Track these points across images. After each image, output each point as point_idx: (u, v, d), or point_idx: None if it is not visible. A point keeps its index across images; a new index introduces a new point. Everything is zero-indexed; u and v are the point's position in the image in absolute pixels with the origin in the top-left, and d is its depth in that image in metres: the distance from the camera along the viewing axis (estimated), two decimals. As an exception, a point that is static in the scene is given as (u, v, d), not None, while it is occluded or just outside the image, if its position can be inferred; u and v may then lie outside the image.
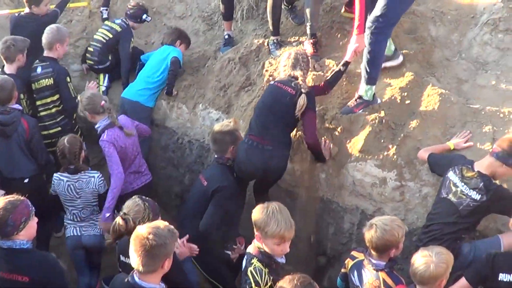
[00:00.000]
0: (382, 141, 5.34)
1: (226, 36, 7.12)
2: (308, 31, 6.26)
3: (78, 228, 5.66)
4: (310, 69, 5.76)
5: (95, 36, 7.55)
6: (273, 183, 5.62)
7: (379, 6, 5.18)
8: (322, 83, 5.67)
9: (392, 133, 5.38)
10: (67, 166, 5.55)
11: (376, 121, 5.39)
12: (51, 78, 6.49)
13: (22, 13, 7.29)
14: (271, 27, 6.49)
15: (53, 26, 6.65)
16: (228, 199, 5.21)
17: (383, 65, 5.65)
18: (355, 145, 5.44)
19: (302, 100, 5.19)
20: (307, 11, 6.13)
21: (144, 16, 7.47)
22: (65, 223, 5.79)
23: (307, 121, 5.34)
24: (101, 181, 5.60)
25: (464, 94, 5.68)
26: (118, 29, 7.39)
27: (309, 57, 5.67)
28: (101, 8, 8.24)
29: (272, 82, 5.57)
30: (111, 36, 7.40)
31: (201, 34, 7.68)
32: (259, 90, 6.16)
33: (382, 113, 5.44)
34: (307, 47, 6.23)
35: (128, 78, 7.36)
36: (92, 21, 8.31)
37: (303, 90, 5.21)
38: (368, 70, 5.40)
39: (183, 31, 7.33)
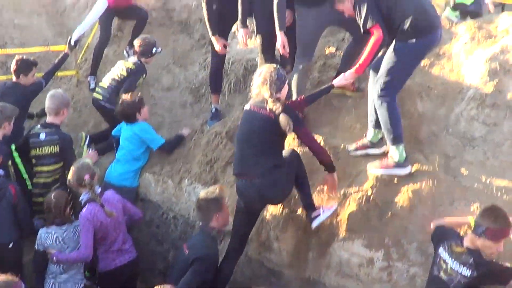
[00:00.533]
0: (369, 220, 5.40)
1: (214, 110, 7.27)
2: None
3: (57, 285, 5.81)
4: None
5: (110, 73, 7.72)
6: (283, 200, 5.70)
7: (382, 71, 5.38)
8: (301, 97, 5.73)
9: (380, 212, 5.44)
10: (53, 220, 5.77)
11: (363, 199, 5.48)
12: (57, 146, 6.60)
13: (8, 81, 7.47)
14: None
15: (58, 91, 6.93)
16: (207, 270, 5.27)
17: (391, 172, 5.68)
18: (342, 223, 5.49)
19: (284, 121, 5.11)
20: (294, 85, 6.31)
21: (154, 50, 7.67)
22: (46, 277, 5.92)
23: (302, 138, 5.46)
24: None
25: (452, 170, 5.78)
26: (132, 66, 7.57)
27: (282, 71, 5.44)
28: (89, 77, 8.47)
29: (246, 107, 5.50)
30: (125, 74, 7.56)
31: (188, 106, 7.86)
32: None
33: (369, 192, 5.53)
34: None
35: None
36: (80, 90, 8.54)
37: (276, 112, 5.13)
38: (388, 132, 5.51)
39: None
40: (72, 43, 8.05)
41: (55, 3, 10.23)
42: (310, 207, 5.54)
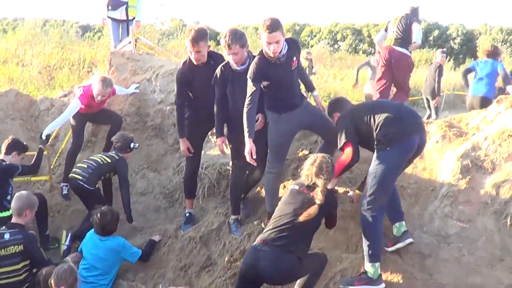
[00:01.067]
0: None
1: (187, 214, 7.40)
2: (267, 209, 6.60)
3: None
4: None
5: (91, 157, 7.94)
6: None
7: (367, 184, 5.67)
8: None
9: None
10: None
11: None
12: (21, 245, 6.64)
13: None
14: (231, 206, 6.81)
15: (23, 193, 7.00)
16: None
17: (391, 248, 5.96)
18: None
19: (312, 210, 5.31)
20: (266, 189, 6.51)
21: (132, 145, 7.93)
22: None
23: (331, 224, 5.84)
24: None
25: (428, 269, 5.89)
26: (116, 157, 7.79)
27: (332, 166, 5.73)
28: (62, 184, 8.61)
29: (292, 186, 5.69)
30: (109, 161, 7.76)
31: (162, 211, 7.99)
32: (220, 270, 6.35)
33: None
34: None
35: (129, 204, 7.68)
36: (52, 196, 8.63)
37: (317, 202, 5.32)
38: (368, 248, 5.63)
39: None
40: (44, 137, 8.30)
41: (29, 108, 10.52)
42: None
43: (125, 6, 12.28)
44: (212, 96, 6.62)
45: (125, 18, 12.41)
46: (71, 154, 8.84)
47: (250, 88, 6.00)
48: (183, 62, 6.90)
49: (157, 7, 22.90)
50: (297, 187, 5.61)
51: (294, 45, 6.22)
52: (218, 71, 6.49)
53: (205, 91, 6.77)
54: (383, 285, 5.64)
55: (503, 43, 41.37)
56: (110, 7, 12.25)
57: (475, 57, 39.76)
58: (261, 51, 6.06)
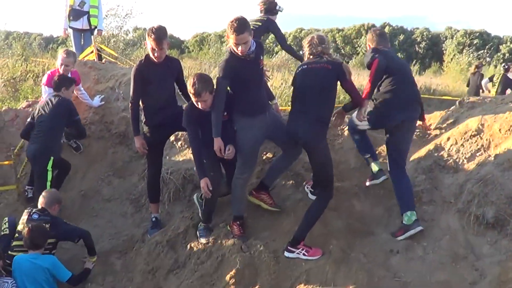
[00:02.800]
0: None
1: (153, 219, 7.41)
2: (234, 213, 6.67)
3: None
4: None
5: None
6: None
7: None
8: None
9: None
10: None
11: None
12: (48, 224, 6.91)
13: None
14: (204, 216, 6.82)
15: (51, 189, 7.36)
16: None
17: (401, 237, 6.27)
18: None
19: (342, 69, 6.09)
20: (234, 194, 6.56)
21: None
22: None
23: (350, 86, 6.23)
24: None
25: (392, 267, 5.97)
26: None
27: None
28: (26, 187, 8.53)
29: (302, 66, 6.29)
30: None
31: (129, 217, 7.96)
32: (187, 273, 6.36)
33: (310, 292, 5.67)
34: (234, 228, 6.58)
35: None
36: (21, 204, 8.49)
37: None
38: (399, 200, 6.37)
39: None
40: None
41: (-7, 120, 10.42)
42: (298, 239, 6.15)
43: (86, 15, 12.44)
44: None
45: (88, 27, 12.55)
46: None
47: (219, 85, 6.09)
48: (139, 61, 6.93)
49: (121, 18, 22.68)
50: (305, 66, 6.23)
51: (259, 46, 6.32)
52: (185, 113, 6.52)
53: (161, 89, 6.87)
54: (419, 227, 6.17)
55: (468, 47, 41.96)
56: (71, 17, 12.37)
57: (440, 61, 40.42)
58: (230, 49, 6.16)
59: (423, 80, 25.47)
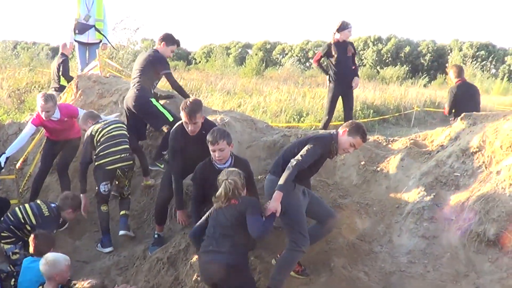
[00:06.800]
0: None
1: (156, 236, 7.41)
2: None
3: None
4: None
5: None
6: None
7: None
8: None
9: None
10: None
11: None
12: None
13: None
14: None
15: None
16: None
17: None
18: None
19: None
20: (286, 264, 6.08)
21: None
22: None
23: None
24: None
25: (393, 285, 5.99)
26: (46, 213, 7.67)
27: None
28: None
29: None
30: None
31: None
32: (187, 291, 6.36)
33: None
34: None
35: None
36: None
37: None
38: None
39: None
40: (3, 164, 8.27)
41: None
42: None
43: (91, 29, 12.44)
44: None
45: (93, 41, 12.58)
46: (37, 180, 8.82)
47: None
48: (176, 128, 6.93)
49: (128, 30, 22.51)
50: None
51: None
52: (198, 170, 6.55)
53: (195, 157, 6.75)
54: None
55: (473, 59, 42.01)
56: (77, 31, 12.40)
57: (445, 73, 40.49)
58: None
59: (428, 92, 25.47)
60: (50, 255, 6.36)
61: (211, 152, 6.28)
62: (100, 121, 8.19)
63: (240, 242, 5.55)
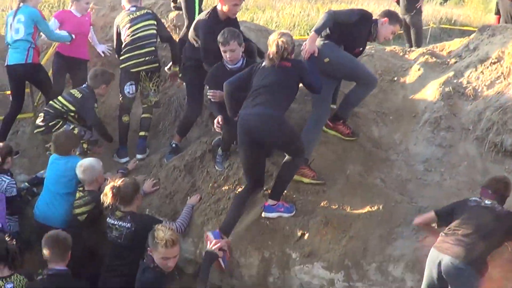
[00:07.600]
0: (329, 243, 5.59)
1: (173, 145, 7.38)
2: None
3: None
4: None
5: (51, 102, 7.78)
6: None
7: None
8: None
9: (338, 235, 5.63)
10: None
11: (322, 223, 5.68)
12: None
13: None
14: (225, 145, 6.74)
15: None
16: None
17: None
18: (301, 247, 5.67)
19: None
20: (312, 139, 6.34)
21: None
22: None
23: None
24: (10, 187, 6.69)
25: (409, 193, 6.05)
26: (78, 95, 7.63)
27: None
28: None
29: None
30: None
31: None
32: (204, 196, 6.41)
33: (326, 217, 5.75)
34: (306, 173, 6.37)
35: None
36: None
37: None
38: None
39: None
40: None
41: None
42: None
43: None
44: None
45: None
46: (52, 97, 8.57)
47: None
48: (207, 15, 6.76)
49: None
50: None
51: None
52: (210, 72, 6.52)
53: None
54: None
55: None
56: None
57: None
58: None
59: (444, 10, 24.83)
60: (85, 162, 6.55)
61: (222, 53, 6.27)
62: (131, 10, 7.81)
63: (285, 100, 5.74)
